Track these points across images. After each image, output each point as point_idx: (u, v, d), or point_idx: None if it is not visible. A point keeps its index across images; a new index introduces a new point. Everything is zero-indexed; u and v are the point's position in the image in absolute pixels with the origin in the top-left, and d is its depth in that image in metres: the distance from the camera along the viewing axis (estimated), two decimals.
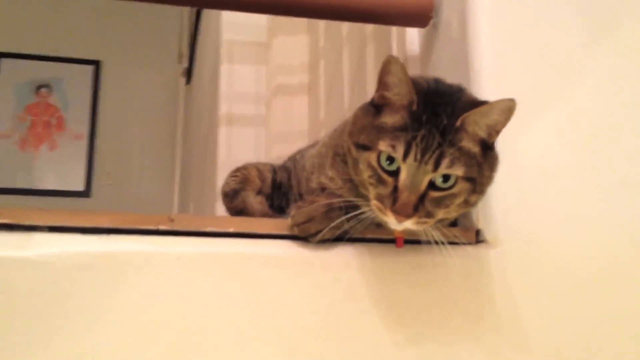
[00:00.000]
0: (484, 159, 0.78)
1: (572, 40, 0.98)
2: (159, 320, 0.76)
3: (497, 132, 0.78)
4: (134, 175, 5.04)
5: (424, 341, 0.85)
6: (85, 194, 4.99)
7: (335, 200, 0.81)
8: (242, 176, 0.94)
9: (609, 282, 0.91)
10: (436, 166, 0.73)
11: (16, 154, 4.94)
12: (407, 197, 0.73)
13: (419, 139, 0.73)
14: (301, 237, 0.83)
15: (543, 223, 0.92)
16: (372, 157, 0.76)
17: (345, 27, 1.86)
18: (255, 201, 0.91)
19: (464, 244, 0.89)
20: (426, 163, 0.73)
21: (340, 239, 0.85)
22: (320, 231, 0.82)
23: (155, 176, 4.98)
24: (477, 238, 0.90)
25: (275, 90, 2.24)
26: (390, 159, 0.75)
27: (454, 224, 0.92)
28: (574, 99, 0.96)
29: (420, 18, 1.06)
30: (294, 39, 2.29)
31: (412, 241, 0.86)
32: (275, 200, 0.95)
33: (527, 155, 0.93)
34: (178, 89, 4.50)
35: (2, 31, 4.92)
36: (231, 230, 0.82)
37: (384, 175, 0.76)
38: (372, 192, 0.77)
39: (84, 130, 5.08)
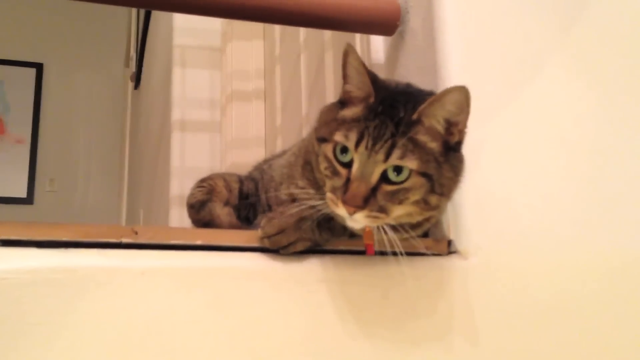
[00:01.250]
0: (445, 158, 0.77)
1: (542, 42, 0.98)
2: (122, 338, 0.72)
3: (459, 131, 0.78)
4: (79, 181, 4.90)
5: (395, 352, 0.83)
6: (27, 200, 4.82)
7: (305, 209, 0.79)
8: (208, 187, 0.91)
9: (574, 303, 0.92)
10: (387, 156, 0.73)
11: None
12: (357, 187, 0.73)
13: (371, 128, 0.74)
14: (272, 249, 0.80)
15: (513, 233, 0.91)
16: (328, 148, 0.77)
17: (302, 33, 1.84)
18: (222, 212, 0.88)
19: (435, 254, 0.88)
20: (377, 152, 0.73)
21: (312, 250, 0.83)
22: (291, 243, 0.80)
23: (101, 182, 4.85)
24: (449, 249, 0.89)
25: (230, 96, 2.20)
26: (345, 150, 0.75)
27: (425, 235, 0.91)
28: (544, 106, 0.96)
29: (387, 26, 1.04)
30: (249, 44, 2.26)
31: (383, 252, 0.84)
32: (242, 211, 0.92)
33: (497, 165, 0.93)
34: (126, 93, 4.39)
35: None
36: (199, 242, 0.79)
37: (338, 167, 0.76)
38: (327, 185, 0.77)
39: (26, 134, 4.92)
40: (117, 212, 4.42)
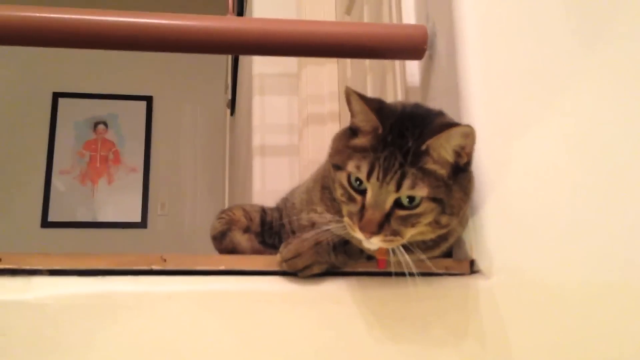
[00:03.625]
0: (454, 180, 0.79)
1: (562, 62, 0.97)
2: (149, 357, 0.79)
3: (467, 154, 0.80)
4: (186, 204, 5.19)
5: None
6: (141, 225, 5.16)
7: (322, 233, 0.83)
8: (227, 218, 0.97)
9: (603, 313, 0.89)
10: (398, 187, 0.76)
11: (77, 189, 5.17)
12: (371, 214, 0.77)
13: (381, 159, 0.77)
14: (290, 272, 0.85)
15: (537, 252, 0.90)
16: (343, 176, 0.80)
17: None
18: (243, 239, 0.94)
19: (457, 274, 0.90)
20: (388, 183, 0.76)
21: (331, 273, 0.87)
22: (308, 266, 0.84)
23: (206, 205, 5.11)
24: (472, 268, 0.90)
25: (307, 120, 2.28)
26: (359, 179, 0.79)
27: (448, 254, 0.92)
28: (566, 124, 0.95)
29: (414, 51, 1.07)
30: (322, 69, 2.33)
31: (402, 273, 0.87)
32: (267, 239, 0.98)
33: (519, 183, 0.92)
34: (225, 120, 4.62)
35: (59, 72, 5.19)
36: (222, 268, 0.85)
37: (354, 194, 0.79)
38: (344, 210, 0.81)
39: (139, 163, 5.28)
40: None
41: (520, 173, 0.93)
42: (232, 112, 3.94)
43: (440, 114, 0.86)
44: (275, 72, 2.40)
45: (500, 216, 0.90)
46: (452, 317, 0.88)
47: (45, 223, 5.06)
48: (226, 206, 4.31)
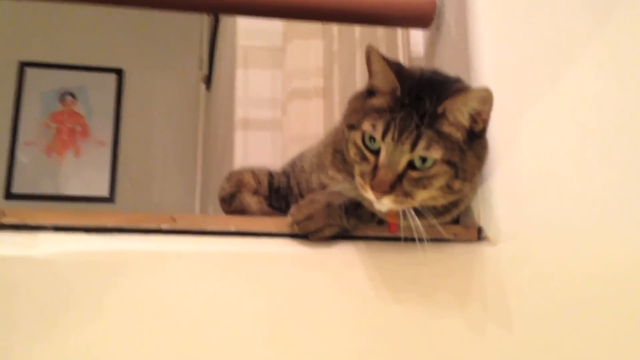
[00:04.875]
0: (469, 146, 0.80)
1: (573, 33, 0.98)
2: (158, 316, 0.78)
3: (483, 121, 0.80)
4: (156, 180, 5.10)
5: (424, 340, 0.86)
6: (109, 199, 5.05)
7: (334, 195, 0.83)
8: (236, 179, 0.96)
9: (606, 286, 0.91)
10: (413, 147, 0.76)
11: (42, 161, 5.03)
12: (384, 174, 0.77)
13: (397, 120, 0.77)
14: (301, 234, 0.84)
15: (543, 222, 0.91)
16: (357, 136, 0.80)
17: (357, 30, 1.87)
18: (252, 201, 0.93)
19: (465, 241, 0.90)
20: (403, 143, 0.76)
21: (341, 236, 0.86)
22: (319, 229, 0.84)
23: (177, 181, 5.03)
24: (479, 236, 0.91)
25: (291, 95, 2.26)
26: (373, 139, 0.78)
27: (456, 221, 0.92)
28: (576, 97, 0.96)
29: (422, 19, 1.06)
30: (308, 43, 2.30)
31: (411, 238, 0.87)
32: (274, 203, 0.97)
33: (528, 153, 0.93)
34: (199, 95, 4.55)
35: (26, 41, 5.03)
36: (232, 229, 0.84)
37: (367, 153, 0.79)
38: (356, 170, 0.81)
39: (108, 137, 5.15)
40: (191, 208, 4.59)
41: (529, 143, 0.94)
42: (208, 87, 3.88)
43: (458, 80, 0.86)
44: (260, 45, 2.37)
45: (508, 185, 0.91)
46: (457, 282, 0.89)
47: (9, 195, 4.93)
48: (198, 183, 4.26)
